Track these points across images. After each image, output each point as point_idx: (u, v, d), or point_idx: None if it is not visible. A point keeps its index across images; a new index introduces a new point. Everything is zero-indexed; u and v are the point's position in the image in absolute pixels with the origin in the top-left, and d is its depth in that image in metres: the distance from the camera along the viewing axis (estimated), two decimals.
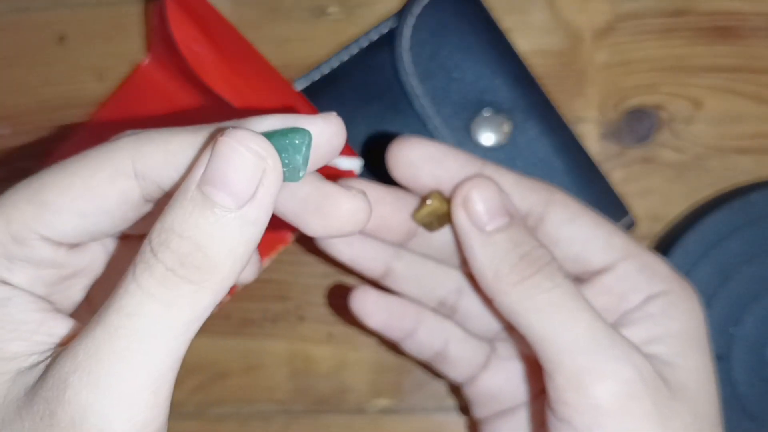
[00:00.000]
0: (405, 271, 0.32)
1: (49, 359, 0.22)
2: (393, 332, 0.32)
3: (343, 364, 0.42)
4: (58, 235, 0.23)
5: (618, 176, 0.41)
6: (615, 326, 0.28)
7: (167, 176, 0.23)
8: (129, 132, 0.24)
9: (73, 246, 0.24)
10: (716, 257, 0.38)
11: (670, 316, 0.28)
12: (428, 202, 0.28)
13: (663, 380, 0.26)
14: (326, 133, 0.22)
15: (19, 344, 0.22)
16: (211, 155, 0.20)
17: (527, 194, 0.29)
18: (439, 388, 0.42)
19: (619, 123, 0.41)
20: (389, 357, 0.42)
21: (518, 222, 0.27)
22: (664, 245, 0.39)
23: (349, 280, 0.42)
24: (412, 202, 0.29)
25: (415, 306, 0.32)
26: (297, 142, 0.21)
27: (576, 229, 0.29)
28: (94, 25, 0.43)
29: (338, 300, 0.42)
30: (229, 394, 0.43)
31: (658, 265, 0.29)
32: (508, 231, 0.27)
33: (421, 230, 0.30)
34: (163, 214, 0.21)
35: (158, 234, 0.20)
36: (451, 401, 0.42)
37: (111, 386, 0.19)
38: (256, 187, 0.20)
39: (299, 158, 0.21)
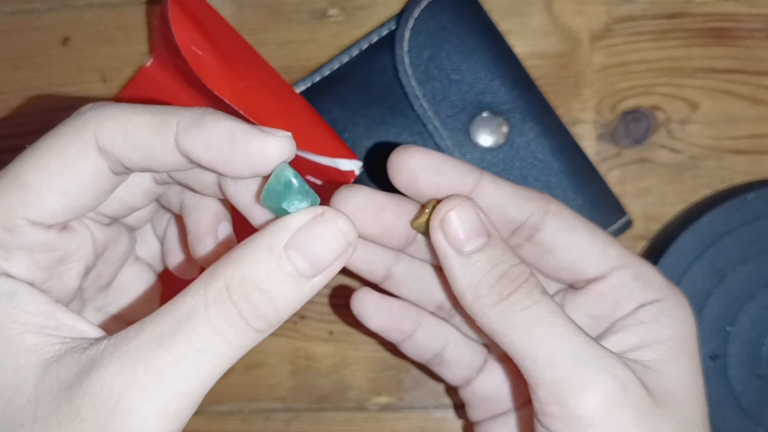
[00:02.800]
0: (405, 274, 0.32)
1: (78, 353, 0.22)
2: (393, 334, 0.33)
3: (344, 362, 0.43)
4: (44, 217, 0.24)
5: (615, 177, 0.41)
6: (606, 333, 0.29)
7: (126, 154, 0.24)
8: (90, 105, 0.25)
9: (61, 227, 0.25)
10: (712, 257, 0.39)
11: (660, 324, 0.28)
12: (427, 210, 0.28)
13: (647, 387, 0.26)
14: (271, 151, 0.24)
15: (35, 336, 0.23)
16: (306, 227, 0.23)
17: (524, 204, 0.29)
18: (439, 386, 0.42)
19: (616, 124, 0.41)
20: (389, 355, 0.42)
21: (496, 240, 0.27)
22: (661, 245, 0.40)
23: (350, 281, 0.42)
24: (412, 209, 0.30)
25: (415, 309, 0.33)
26: (292, 180, 0.23)
27: (571, 238, 0.29)
28: (97, 27, 0.43)
29: (339, 299, 0.42)
30: (232, 391, 0.43)
31: (651, 274, 0.29)
32: (486, 251, 0.27)
33: (420, 238, 0.31)
34: (242, 259, 0.22)
35: (239, 284, 0.22)
36: (449, 399, 0.42)
37: (166, 405, 0.21)
38: (332, 264, 0.23)
39: (303, 190, 0.24)
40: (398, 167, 0.28)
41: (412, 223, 0.29)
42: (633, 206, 0.41)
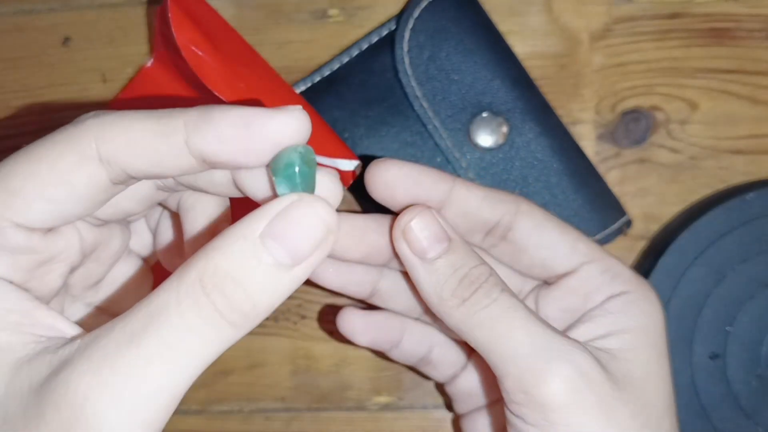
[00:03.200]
0: (390, 288, 0.33)
1: (50, 354, 0.21)
2: (381, 345, 0.34)
3: (344, 362, 0.43)
4: (29, 222, 0.23)
5: (614, 177, 0.41)
6: (575, 324, 0.30)
7: (131, 162, 0.23)
8: (92, 113, 0.24)
9: (47, 231, 0.24)
10: (712, 257, 0.39)
11: (626, 314, 0.29)
12: None
13: (611, 373, 0.27)
14: (288, 128, 0.23)
15: (9, 335, 0.22)
16: (282, 213, 0.22)
17: (496, 206, 0.30)
18: (438, 385, 0.42)
19: (616, 124, 0.41)
20: None
21: (456, 244, 0.28)
22: (660, 245, 0.40)
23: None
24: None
25: (399, 318, 0.34)
26: (294, 165, 0.22)
27: (542, 236, 0.31)
28: (98, 27, 0.43)
29: (339, 298, 0.42)
30: (232, 391, 0.43)
31: (619, 268, 0.30)
32: (448, 256, 0.28)
33: None
34: (216, 249, 0.21)
35: (213, 275, 0.21)
36: (449, 399, 0.42)
37: (135, 409, 0.20)
38: (312, 252, 0.22)
39: (294, 177, 0.23)
40: (375, 180, 0.30)
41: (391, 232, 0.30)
42: (632, 206, 0.41)
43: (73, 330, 0.23)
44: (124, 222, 0.29)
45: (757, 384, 0.38)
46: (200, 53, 0.36)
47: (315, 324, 0.43)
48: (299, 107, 0.23)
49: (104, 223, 0.27)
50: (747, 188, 0.39)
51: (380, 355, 0.42)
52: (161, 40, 0.40)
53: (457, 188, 0.30)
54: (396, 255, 0.30)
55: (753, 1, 0.41)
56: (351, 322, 0.33)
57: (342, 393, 0.43)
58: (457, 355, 0.36)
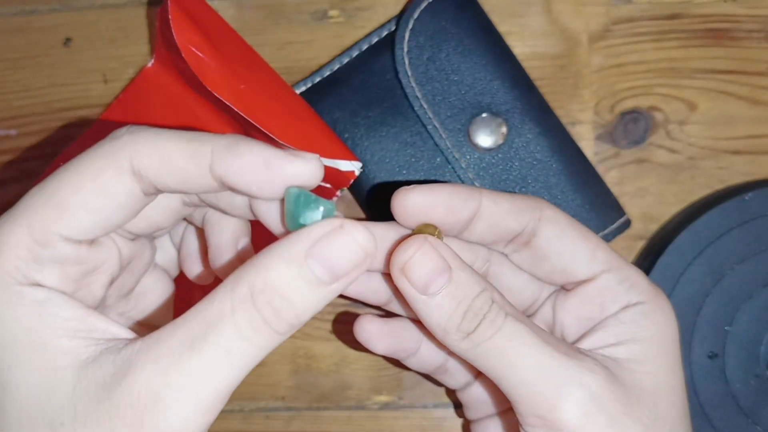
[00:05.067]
0: None
1: (112, 354, 0.24)
2: (398, 353, 0.34)
3: (344, 361, 0.43)
4: (77, 234, 0.25)
5: (613, 177, 0.41)
6: (589, 332, 0.30)
7: (160, 178, 0.26)
8: (125, 128, 0.26)
9: (92, 242, 0.26)
10: (710, 257, 0.39)
11: (639, 325, 0.30)
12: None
13: (619, 384, 0.28)
14: (303, 173, 0.26)
15: (70, 340, 0.24)
16: (328, 237, 0.24)
17: (520, 214, 0.30)
18: (438, 384, 0.42)
19: (615, 124, 0.41)
20: None
21: (458, 273, 0.28)
22: (659, 245, 0.40)
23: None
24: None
25: (417, 327, 0.34)
26: (312, 197, 0.25)
27: (564, 244, 0.31)
28: (99, 27, 0.44)
29: (339, 298, 0.43)
30: None
31: (636, 278, 0.31)
32: (449, 288, 0.28)
33: None
34: (265, 265, 0.24)
35: (262, 290, 0.24)
36: (449, 398, 0.43)
37: (198, 403, 0.23)
38: (349, 272, 0.25)
39: (322, 203, 0.25)
40: (403, 213, 0.30)
41: None
42: (631, 206, 0.41)
43: (126, 333, 0.25)
44: (152, 237, 0.31)
45: (755, 383, 0.38)
46: (200, 54, 0.36)
47: (316, 323, 0.43)
48: (316, 156, 0.26)
49: (137, 237, 0.29)
50: (746, 188, 0.39)
51: (385, 356, 0.42)
52: (162, 40, 0.40)
53: (485, 202, 0.30)
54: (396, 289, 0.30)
55: (751, 1, 0.41)
56: (368, 330, 0.33)
57: (342, 392, 0.43)
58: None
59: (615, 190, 0.41)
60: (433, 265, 0.28)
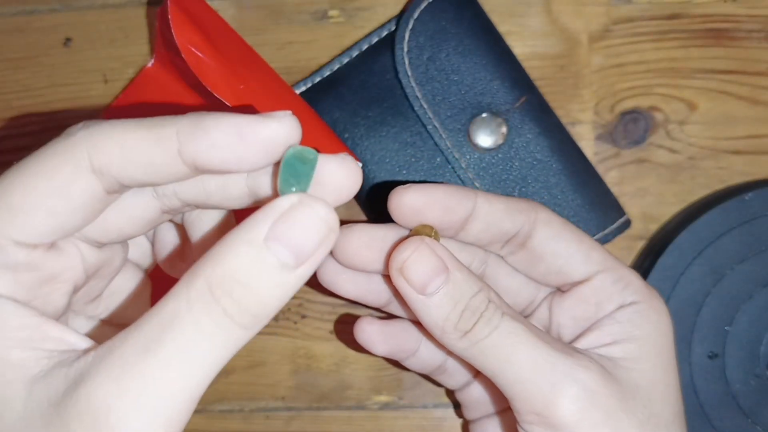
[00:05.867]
0: None
1: (65, 367, 0.22)
2: (398, 355, 0.34)
3: (344, 361, 0.43)
4: (30, 237, 0.23)
5: (613, 177, 0.41)
6: (585, 332, 0.31)
7: (124, 172, 0.23)
8: (81, 124, 0.24)
9: (48, 247, 0.24)
10: (710, 256, 0.39)
11: (634, 324, 0.30)
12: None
13: (614, 382, 0.28)
14: (279, 133, 0.23)
15: (20, 351, 0.22)
16: (284, 215, 0.22)
17: (516, 216, 0.31)
18: (437, 385, 0.42)
19: (615, 124, 0.41)
20: None
21: (455, 274, 0.28)
22: (659, 245, 0.40)
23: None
24: None
25: (416, 328, 0.34)
26: (307, 168, 0.23)
27: (559, 245, 0.31)
28: (99, 28, 0.44)
29: (340, 298, 0.43)
30: (233, 390, 0.43)
31: (631, 278, 0.31)
32: (447, 288, 0.28)
33: None
34: (222, 255, 0.22)
35: (221, 280, 0.22)
36: (449, 398, 0.43)
37: (156, 413, 0.21)
38: (315, 251, 0.22)
39: (307, 180, 0.23)
40: (401, 209, 0.30)
41: None
42: (631, 206, 0.41)
43: (83, 342, 0.23)
44: (124, 243, 0.29)
45: (755, 383, 0.38)
46: (200, 54, 0.36)
47: (315, 323, 0.43)
48: (288, 112, 0.24)
49: (105, 245, 0.27)
50: (745, 188, 0.39)
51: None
52: (162, 40, 0.40)
53: (480, 203, 0.30)
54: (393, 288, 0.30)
55: (751, 2, 0.41)
56: (368, 332, 0.33)
57: (342, 392, 0.43)
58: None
59: (615, 190, 0.41)
60: (430, 265, 0.28)
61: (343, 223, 0.28)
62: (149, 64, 0.42)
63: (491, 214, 0.30)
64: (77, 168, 0.23)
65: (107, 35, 0.44)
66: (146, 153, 0.23)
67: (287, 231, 0.22)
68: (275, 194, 0.25)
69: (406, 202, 0.30)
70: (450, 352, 0.32)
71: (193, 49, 0.36)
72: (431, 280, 0.28)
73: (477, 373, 0.36)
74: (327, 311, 0.43)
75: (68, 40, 0.44)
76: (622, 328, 0.30)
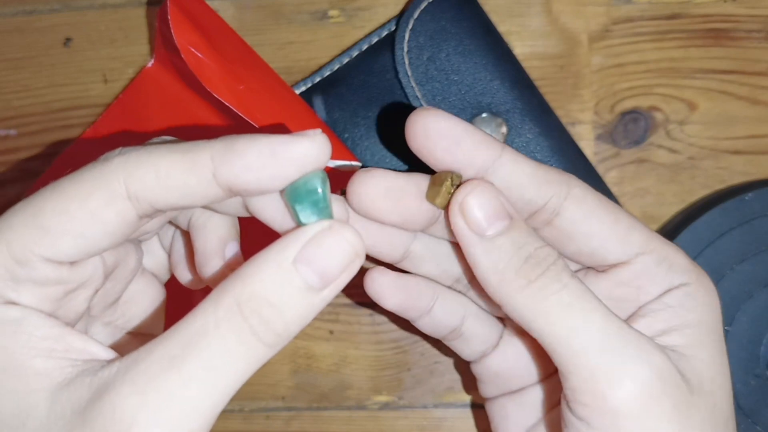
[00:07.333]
0: (422, 252, 0.31)
1: (88, 377, 0.22)
2: (409, 312, 0.31)
3: (344, 361, 0.43)
4: (58, 256, 0.24)
5: (613, 177, 0.41)
6: (632, 318, 0.28)
7: (159, 198, 0.24)
8: (118, 151, 0.24)
9: (75, 263, 0.25)
10: (710, 257, 0.39)
11: (687, 308, 0.27)
12: (441, 186, 0.27)
13: (681, 374, 0.26)
14: (312, 152, 0.24)
15: (45, 361, 0.23)
16: (314, 239, 0.23)
17: (543, 187, 0.27)
18: (438, 384, 0.42)
19: (615, 125, 0.41)
20: (389, 354, 0.42)
21: (519, 223, 0.26)
22: None
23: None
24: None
25: (431, 284, 0.31)
26: (318, 189, 0.24)
27: (592, 226, 0.28)
28: (99, 28, 0.44)
29: (339, 298, 0.43)
30: None
31: (676, 257, 0.28)
32: (510, 233, 0.26)
33: (442, 217, 0.29)
34: (252, 275, 0.23)
35: (249, 300, 0.22)
36: (449, 398, 0.43)
37: (179, 427, 0.22)
38: (340, 275, 0.23)
39: (320, 202, 0.24)
40: (414, 129, 0.27)
41: (427, 195, 0.28)
42: (631, 206, 0.41)
43: (105, 352, 0.24)
44: (137, 241, 0.29)
45: (755, 383, 0.38)
46: (200, 55, 0.36)
47: (315, 323, 0.43)
48: (318, 130, 0.24)
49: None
50: (746, 188, 0.39)
51: (384, 354, 0.42)
52: (162, 40, 0.40)
53: (504, 159, 0.27)
54: (450, 228, 0.27)
55: (751, 1, 0.41)
56: (380, 282, 0.30)
57: (342, 392, 0.43)
58: (490, 329, 0.33)
59: (615, 190, 0.41)
60: (493, 207, 0.26)
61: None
62: (149, 64, 0.42)
63: (514, 174, 0.27)
64: (111, 194, 0.24)
65: (107, 35, 0.44)
66: (181, 178, 0.24)
67: (315, 254, 0.23)
68: (294, 219, 0.25)
69: (420, 124, 0.27)
70: (486, 299, 0.29)
71: (192, 49, 0.36)
72: (492, 222, 0.26)
73: (496, 342, 0.33)
74: (327, 311, 0.43)
75: (68, 40, 0.44)
76: (675, 313, 0.27)
